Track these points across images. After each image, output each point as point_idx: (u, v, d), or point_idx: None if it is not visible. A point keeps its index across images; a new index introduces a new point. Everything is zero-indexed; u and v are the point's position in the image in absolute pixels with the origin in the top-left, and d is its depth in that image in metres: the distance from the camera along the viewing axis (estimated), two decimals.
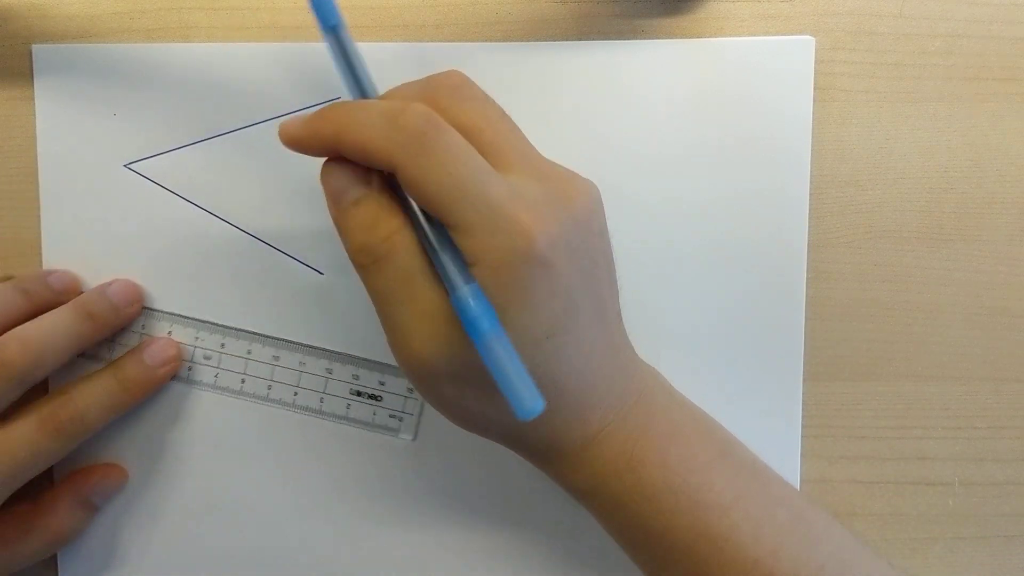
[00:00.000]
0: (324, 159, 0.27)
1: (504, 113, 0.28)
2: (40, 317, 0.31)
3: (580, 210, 0.27)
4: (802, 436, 0.35)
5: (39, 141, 0.34)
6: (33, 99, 0.33)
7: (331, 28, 0.27)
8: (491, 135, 0.27)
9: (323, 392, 0.34)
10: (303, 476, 0.34)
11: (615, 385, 0.28)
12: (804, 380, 0.35)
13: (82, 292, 0.33)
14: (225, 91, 0.33)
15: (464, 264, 0.25)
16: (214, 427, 0.34)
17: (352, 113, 0.26)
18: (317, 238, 0.34)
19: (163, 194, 0.34)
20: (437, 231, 0.26)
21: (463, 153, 0.25)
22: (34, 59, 0.33)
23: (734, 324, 0.34)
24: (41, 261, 0.34)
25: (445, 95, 0.27)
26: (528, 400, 0.24)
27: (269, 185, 0.34)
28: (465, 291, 0.25)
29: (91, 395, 0.32)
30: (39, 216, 0.34)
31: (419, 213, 0.26)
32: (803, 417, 0.35)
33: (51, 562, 0.34)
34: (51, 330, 0.31)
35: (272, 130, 0.33)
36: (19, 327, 0.31)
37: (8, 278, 0.33)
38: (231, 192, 0.34)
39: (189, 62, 0.33)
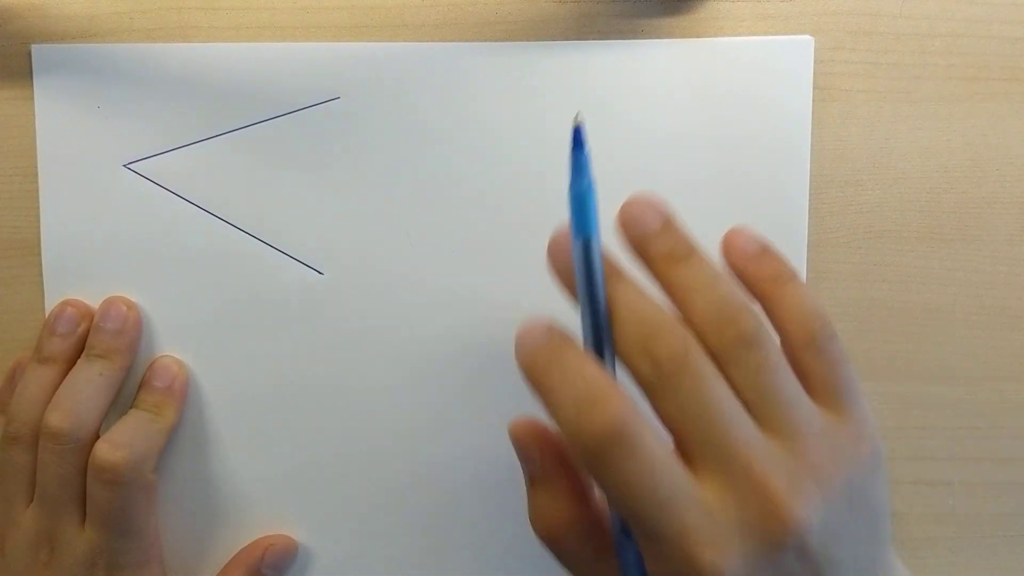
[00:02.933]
0: None
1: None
2: (64, 381, 0.32)
3: (786, 535, 0.23)
4: None
5: (39, 141, 0.34)
6: (33, 99, 0.33)
7: (585, 239, 0.24)
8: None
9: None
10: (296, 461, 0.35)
11: None
12: None
13: (90, 311, 0.33)
14: (225, 91, 0.33)
15: (642, 566, 0.24)
16: (212, 424, 0.34)
17: (551, 382, 0.24)
18: (317, 238, 0.34)
19: (163, 194, 0.34)
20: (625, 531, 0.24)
21: (649, 470, 0.22)
22: (33, 59, 0.33)
23: None
24: (41, 261, 0.34)
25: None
26: None
27: (269, 185, 0.34)
28: None
29: (134, 433, 0.32)
30: (39, 216, 0.34)
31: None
32: None
33: None
34: (76, 388, 0.32)
35: (272, 130, 0.34)
36: (55, 398, 0.32)
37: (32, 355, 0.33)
38: (231, 192, 0.34)
39: (189, 62, 0.33)
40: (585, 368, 0.23)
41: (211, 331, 0.34)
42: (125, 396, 0.34)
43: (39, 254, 0.34)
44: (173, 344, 0.34)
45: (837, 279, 0.35)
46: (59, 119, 0.33)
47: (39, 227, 0.34)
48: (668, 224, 0.26)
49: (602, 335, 0.24)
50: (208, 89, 0.33)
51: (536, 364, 0.24)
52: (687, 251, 0.25)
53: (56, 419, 0.31)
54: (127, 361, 0.33)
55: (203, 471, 0.34)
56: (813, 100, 0.34)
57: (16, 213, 0.34)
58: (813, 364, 0.25)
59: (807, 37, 0.34)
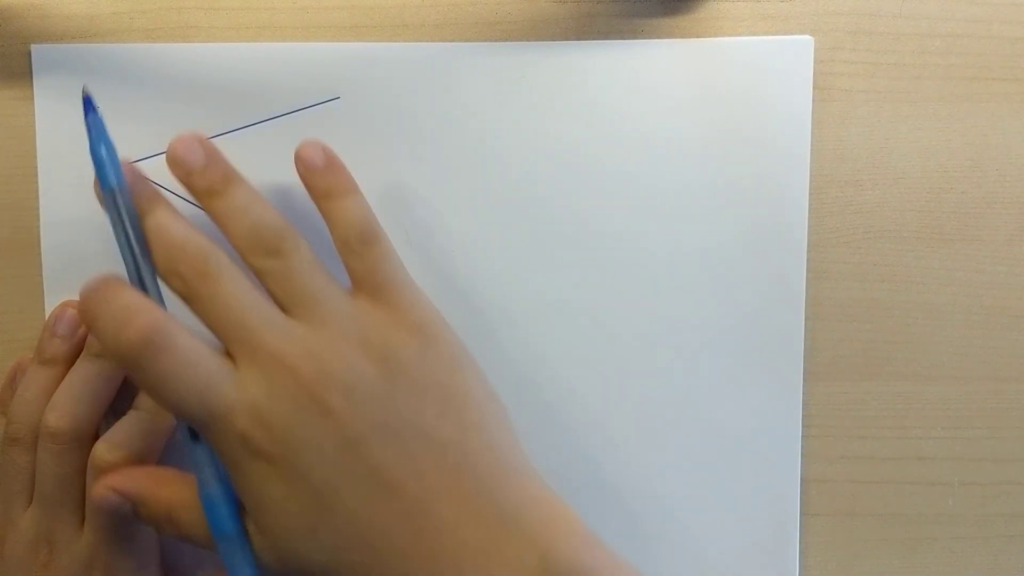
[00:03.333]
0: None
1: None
2: (64, 381, 0.32)
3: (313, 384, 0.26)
4: (802, 436, 0.35)
5: (39, 141, 0.34)
6: (33, 99, 0.33)
7: (110, 190, 0.28)
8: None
9: None
10: None
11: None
12: (804, 380, 0.35)
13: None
14: (225, 91, 0.33)
15: (216, 463, 0.27)
16: None
17: (97, 312, 0.27)
18: (316, 238, 0.34)
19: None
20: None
21: (185, 368, 0.26)
22: (33, 59, 0.33)
23: (733, 324, 0.34)
24: (41, 261, 0.34)
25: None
26: None
27: (268, 185, 0.34)
28: (212, 490, 0.27)
29: (133, 434, 0.32)
30: (39, 216, 0.34)
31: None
32: (803, 417, 0.35)
33: None
34: (74, 388, 0.32)
35: (272, 130, 0.34)
36: (52, 398, 0.32)
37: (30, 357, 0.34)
38: None
39: (189, 62, 0.33)
40: (120, 293, 0.27)
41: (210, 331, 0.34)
42: (125, 396, 0.34)
43: (39, 254, 0.34)
44: None
45: (837, 279, 0.35)
46: (59, 119, 0.33)
47: (39, 227, 0.34)
48: (209, 160, 0.29)
49: (140, 267, 0.28)
50: (208, 89, 0.33)
51: (85, 304, 0.27)
52: (224, 182, 0.29)
53: (54, 419, 0.31)
54: None
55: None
56: (813, 100, 0.34)
57: (16, 213, 0.34)
58: (353, 265, 0.29)
59: (807, 37, 0.34)
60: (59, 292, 0.34)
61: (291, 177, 0.34)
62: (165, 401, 0.26)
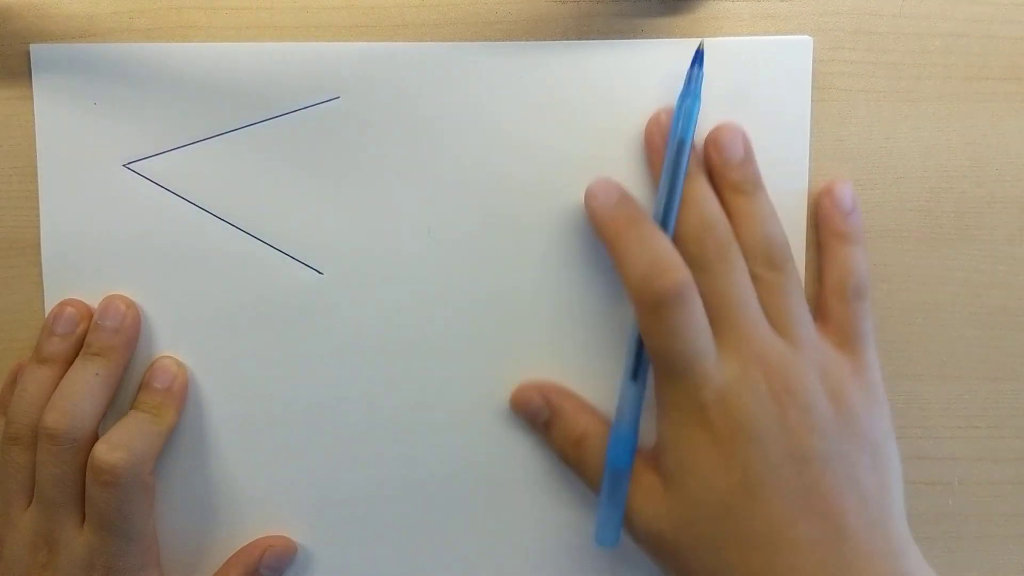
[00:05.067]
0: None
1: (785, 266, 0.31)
2: (63, 380, 0.32)
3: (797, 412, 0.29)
4: None
5: (38, 141, 0.34)
6: (32, 99, 0.33)
7: (680, 141, 0.31)
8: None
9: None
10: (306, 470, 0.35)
11: None
12: None
13: (89, 311, 0.33)
14: (225, 91, 0.33)
15: (638, 408, 0.31)
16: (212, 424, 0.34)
17: (631, 238, 0.30)
18: (317, 238, 0.34)
19: (162, 194, 0.34)
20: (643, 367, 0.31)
21: (691, 331, 0.29)
22: (32, 58, 0.33)
23: None
24: (41, 261, 0.34)
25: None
26: (605, 535, 0.31)
27: (269, 185, 0.34)
28: (624, 428, 0.31)
29: (132, 434, 0.32)
30: (38, 216, 0.34)
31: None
32: None
33: None
34: (72, 387, 0.32)
35: (272, 130, 0.34)
36: (51, 398, 0.32)
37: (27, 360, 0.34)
38: (231, 192, 0.34)
39: (189, 62, 0.33)
40: (658, 237, 0.30)
41: (211, 331, 0.34)
42: (126, 397, 0.34)
43: (39, 254, 0.34)
44: (173, 344, 0.34)
45: None
46: (58, 119, 0.33)
47: (39, 227, 0.34)
48: (746, 158, 0.32)
49: (670, 217, 0.30)
50: (208, 89, 0.33)
51: (613, 223, 0.30)
52: (753, 186, 0.32)
53: (52, 419, 0.31)
54: (124, 360, 0.33)
55: (202, 472, 0.34)
56: (812, 100, 0.34)
57: (16, 213, 0.34)
58: (835, 309, 0.31)
59: (806, 37, 0.34)
60: (59, 292, 0.34)
61: (291, 177, 0.34)
62: (660, 344, 0.29)
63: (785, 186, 0.34)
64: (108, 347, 0.32)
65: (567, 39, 0.34)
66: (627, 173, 0.34)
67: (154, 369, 0.33)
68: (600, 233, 0.31)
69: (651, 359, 0.30)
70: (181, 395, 0.33)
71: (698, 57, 0.31)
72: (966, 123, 0.34)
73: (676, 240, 0.30)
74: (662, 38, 0.34)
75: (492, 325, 0.34)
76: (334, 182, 0.34)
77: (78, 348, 0.33)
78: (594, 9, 0.34)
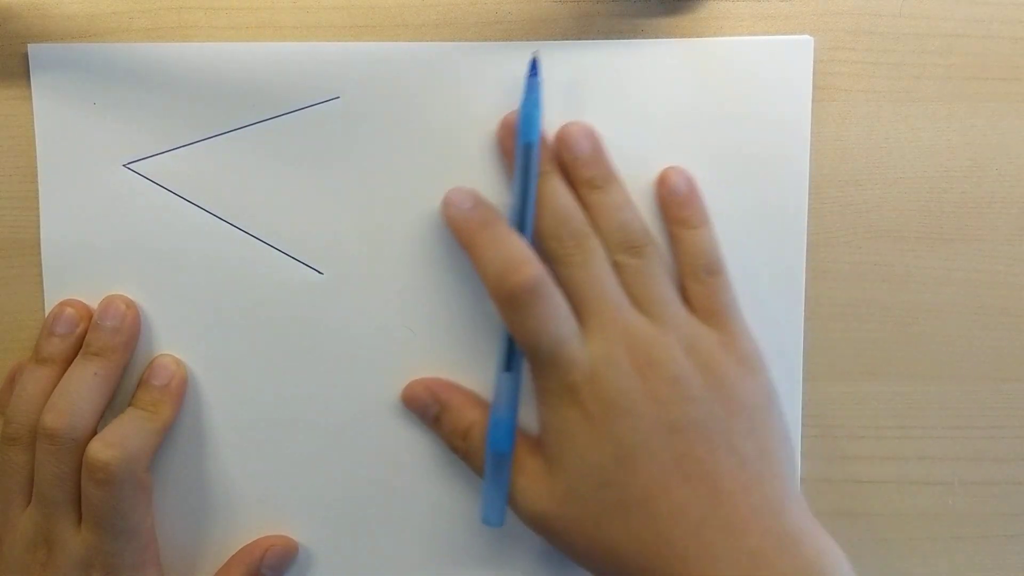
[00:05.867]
0: None
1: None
2: (62, 380, 0.32)
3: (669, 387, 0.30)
4: (802, 436, 0.35)
5: (38, 141, 0.34)
6: (31, 99, 0.33)
7: (528, 144, 0.32)
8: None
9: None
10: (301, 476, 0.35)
11: None
12: (804, 380, 0.35)
13: (89, 312, 0.33)
14: (225, 91, 0.33)
15: (515, 396, 0.32)
16: (211, 424, 0.34)
17: (484, 239, 0.31)
18: (317, 238, 0.34)
19: (162, 194, 0.34)
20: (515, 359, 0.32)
21: (551, 321, 0.30)
22: (30, 58, 0.33)
23: None
24: (41, 261, 0.34)
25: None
26: (490, 515, 0.32)
27: (269, 185, 0.34)
28: (501, 414, 0.32)
29: (127, 432, 0.32)
30: (38, 216, 0.34)
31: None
32: (803, 417, 0.35)
33: None
34: (71, 387, 0.32)
35: (272, 130, 0.34)
36: (50, 398, 0.32)
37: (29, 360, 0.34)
38: (231, 192, 0.34)
39: (189, 62, 0.33)
40: (511, 237, 0.31)
41: (210, 331, 0.34)
42: (125, 397, 0.34)
43: (39, 254, 0.34)
44: (172, 344, 0.34)
45: (837, 279, 0.35)
46: (58, 119, 0.33)
47: (39, 227, 0.34)
48: (595, 153, 0.33)
49: (526, 217, 0.31)
50: (208, 89, 0.33)
51: (468, 225, 0.32)
52: (605, 180, 0.32)
53: (51, 419, 0.31)
54: (123, 360, 0.33)
55: (201, 471, 0.34)
56: (813, 100, 0.34)
57: (16, 213, 0.34)
58: (695, 289, 0.32)
59: (807, 37, 0.34)
60: (59, 292, 0.34)
61: (292, 177, 0.34)
62: (525, 337, 0.30)
63: (785, 186, 0.34)
64: (107, 347, 0.32)
65: (567, 39, 0.34)
66: (627, 172, 0.34)
67: (153, 367, 0.33)
68: (457, 237, 0.32)
69: (521, 350, 0.31)
70: (179, 393, 0.33)
71: (533, 66, 0.32)
72: (966, 123, 0.34)
73: (536, 237, 0.31)
74: (662, 38, 0.34)
75: (493, 325, 0.34)
76: (334, 182, 0.34)
77: (77, 348, 0.33)
78: (594, 9, 0.34)
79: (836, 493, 0.35)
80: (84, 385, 0.32)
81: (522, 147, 0.31)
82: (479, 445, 0.32)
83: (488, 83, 0.34)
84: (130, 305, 0.33)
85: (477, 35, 0.34)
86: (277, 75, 0.33)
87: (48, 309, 0.33)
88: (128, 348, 0.33)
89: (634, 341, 0.30)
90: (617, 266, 0.32)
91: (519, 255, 0.30)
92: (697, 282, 0.32)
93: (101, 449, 0.31)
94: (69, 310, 0.33)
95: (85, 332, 0.33)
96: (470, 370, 0.34)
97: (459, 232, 0.32)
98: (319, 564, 0.35)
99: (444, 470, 0.34)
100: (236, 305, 0.34)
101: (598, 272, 0.31)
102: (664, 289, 0.32)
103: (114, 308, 0.33)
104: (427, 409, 0.33)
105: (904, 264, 0.35)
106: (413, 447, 0.34)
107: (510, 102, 0.33)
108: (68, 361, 0.33)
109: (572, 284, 0.31)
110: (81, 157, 0.34)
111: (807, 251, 0.34)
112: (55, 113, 0.33)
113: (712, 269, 0.32)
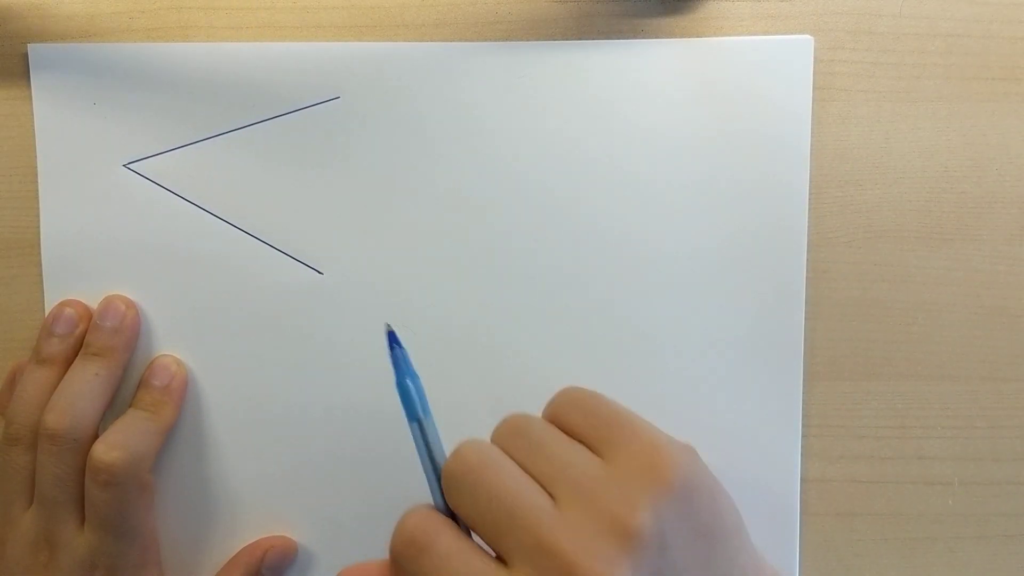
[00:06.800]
0: None
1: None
2: (62, 381, 0.32)
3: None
4: (802, 436, 0.35)
5: (38, 141, 0.34)
6: (31, 99, 0.33)
7: (417, 420, 0.28)
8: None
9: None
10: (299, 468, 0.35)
11: None
12: (804, 380, 0.35)
13: (89, 312, 0.33)
14: (225, 91, 0.33)
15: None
16: (210, 424, 0.34)
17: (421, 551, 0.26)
18: (317, 238, 0.34)
19: (163, 194, 0.34)
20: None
21: (446, 564, 0.25)
22: (30, 58, 0.33)
23: (733, 323, 0.34)
24: (41, 261, 0.34)
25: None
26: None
27: (269, 185, 0.34)
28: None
29: (130, 434, 0.32)
30: (38, 216, 0.34)
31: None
32: (803, 417, 0.35)
33: None
34: (72, 388, 0.32)
35: (272, 130, 0.34)
36: (51, 399, 0.32)
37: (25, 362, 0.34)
38: (231, 192, 0.34)
39: (189, 62, 0.33)
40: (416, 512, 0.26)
41: (210, 331, 0.34)
42: (125, 397, 0.34)
43: (39, 254, 0.34)
44: (172, 344, 0.34)
45: (837, 279, 0.35)
46: (58, 119, 0.33)
47: (39, 227, 0.34)
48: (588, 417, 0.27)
49: (438, 491, 0.27)
50: (208, 89, 0.33)
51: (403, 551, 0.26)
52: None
53: (52, 420, 0.31)
54: (123, 360, 0.33)
55: (202, 471, 0.34)
56: (813, 100, 0.34)
57: (16, 213, 0.34)
58: (576, 423, 0.27)
59: (807, 37, 0.34)
60: (59, 292, 0.34)
61: (292, 177, 0.34)
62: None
63: (785, 186, 0.34)
64: (108, 347, 0.32)
65: (567, 39, 0.34)
66: (627, 173, 0.34)
67: (153, 367, 0.33)
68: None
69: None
70: (180, 393, 0.34)
71: (391, 338, 0.29)
72: (966, 123, 0.34)
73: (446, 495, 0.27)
74: (662, 38, 0.34)
75: (493, 325, 0.34)
76: (334, 182, 0.34)
77: (77, 348, 0.33)
78: (594, 9, 0.34)
79: (836, 493, 0.35)
80: (85, 386, 0.32)
81: (415, 428, 0.28)
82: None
83: (488, 83, 0.34)
84: (130, 305, 0.33)
85: (477, 35, 0.34)
86: (277, 75, 0.33)
87: (48, 309, 0.33)
88: (128, 348, 0.33)
89: (566, 558, 0.23)
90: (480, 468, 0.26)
91: (411, 512, 0.27)
92: (570, 416, 0.27)
93: (105, 451, 0.31)
94: (68, 310, 0.33)
95: (85, 332, 0.33)
96: (470, 370, 0.34)
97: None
98: (319, 564, 0.35)
99: None
100: (236, 305, 0.34)
101: (498, 487, 0.25)
102: (560, 450, 0.26)
103: (114, 308, 0.33)
104: None
105: (904, 264, 0.35)
106: (413, 447, 0.34)
107: (510, 102, 0.33)
108: (68, 361, 0.33)
109: (474, 518, 0.26)
110: (81, 157, 0.34)
111: (807, 251, 0.34)
112: (55, 113, 0.33)
113: (578, 396, 0.28)
